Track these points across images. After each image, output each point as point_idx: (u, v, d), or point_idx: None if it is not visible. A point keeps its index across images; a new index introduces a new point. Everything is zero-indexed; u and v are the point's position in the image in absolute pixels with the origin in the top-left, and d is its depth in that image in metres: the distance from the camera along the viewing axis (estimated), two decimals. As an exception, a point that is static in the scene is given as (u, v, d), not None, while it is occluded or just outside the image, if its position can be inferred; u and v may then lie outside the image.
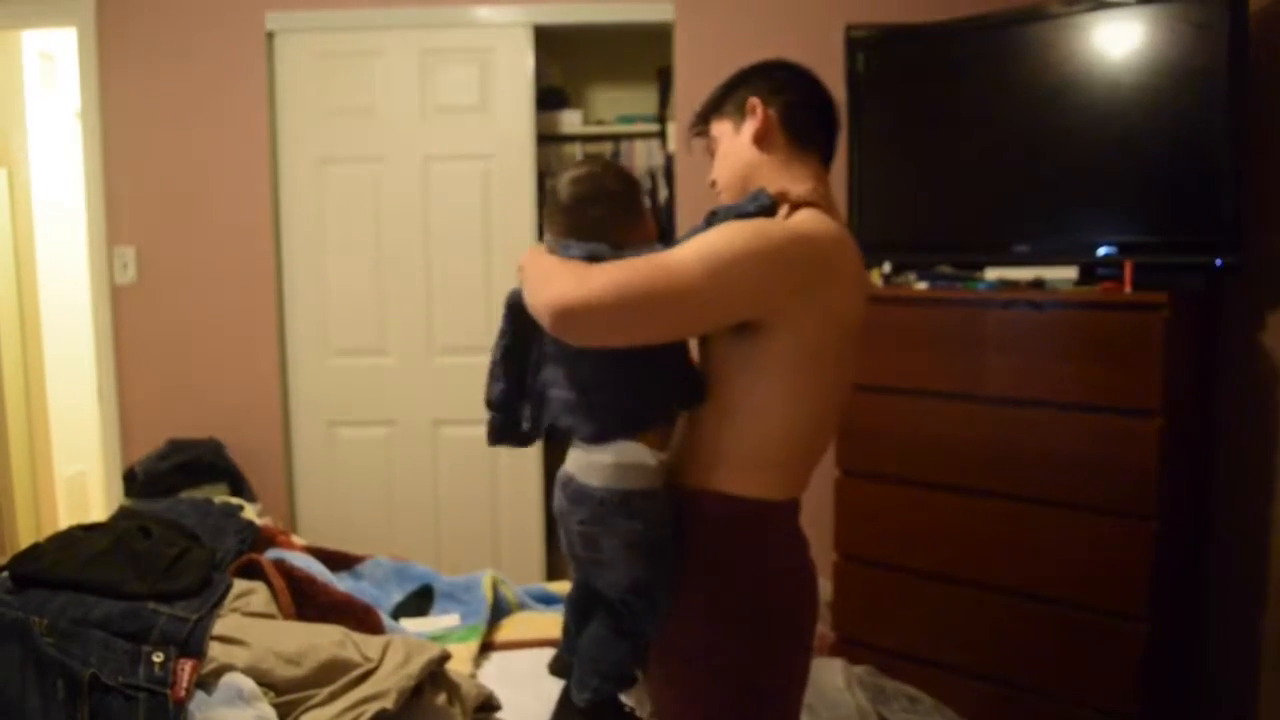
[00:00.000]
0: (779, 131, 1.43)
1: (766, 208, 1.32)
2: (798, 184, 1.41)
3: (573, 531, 1.35)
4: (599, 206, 1.38)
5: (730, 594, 1.33)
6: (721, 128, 1.48)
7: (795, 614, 1.39)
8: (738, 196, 1.44)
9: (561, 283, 1.20)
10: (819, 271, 1.29)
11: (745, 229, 1.27)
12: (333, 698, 1.56)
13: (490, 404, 1.43)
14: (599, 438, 1.32)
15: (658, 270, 1.21)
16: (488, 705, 1.77)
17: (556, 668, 1.70)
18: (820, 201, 1.38)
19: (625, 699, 1.50)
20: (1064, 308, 2.29)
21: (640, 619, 1.35)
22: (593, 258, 1.28)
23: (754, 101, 1.43)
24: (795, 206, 1.35)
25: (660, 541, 1.32)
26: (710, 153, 1.52)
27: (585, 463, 1.33)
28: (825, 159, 1.47)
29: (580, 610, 1.47)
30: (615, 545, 1.31)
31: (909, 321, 2.52)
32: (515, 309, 1.37)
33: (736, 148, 1.45)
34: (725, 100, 1.48)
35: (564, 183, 1.40)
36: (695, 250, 1.24)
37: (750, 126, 1.43)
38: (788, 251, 1.27)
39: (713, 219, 1.35)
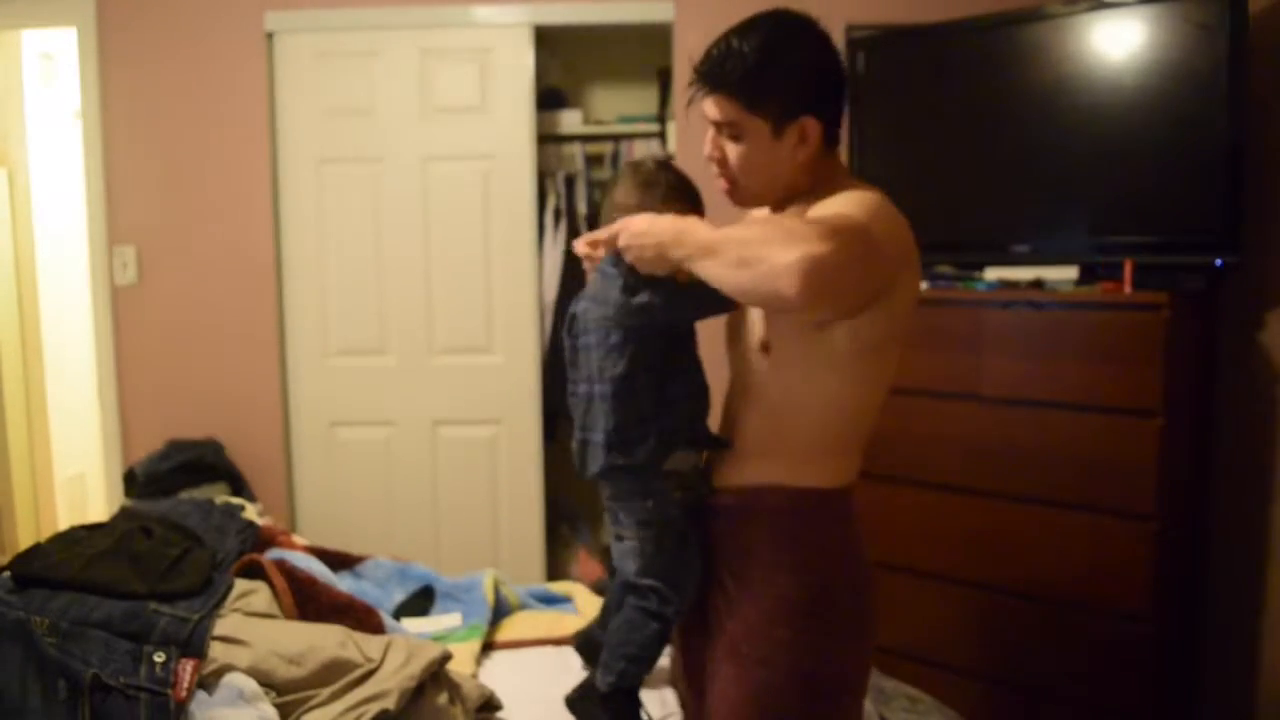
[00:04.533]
0: (819, 145, 1.35)
1: None
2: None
3: (605, 508, 1.47)
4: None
5: (804, 589, 1.34)
6: (755, 125, 1.32)
7: (864, 603, 1.41)
8: (763, 202, 1.43)
9: (789, 242, 1.12)
10: (911, 246, 1.33)
11: (867, 198, 1.28)
12: (334, 698, 1.57)
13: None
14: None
15: (856, 227, 1.19)
16: (489, 705, 1.77)
17: (580, 644, 1.76)
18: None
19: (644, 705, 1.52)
20: (1064, 308, 2.29)
21: (662, 602, 1.42)
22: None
23: (810, 124, 1.32)
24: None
25: (670, 522, 1.40)
26: (718, 125, 1.35)
27: None
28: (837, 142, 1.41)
29: (621, 598, 1.54)
30: (630, 522, 1.42)
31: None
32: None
33: (777, 161, 1.34)
34: (763, 89, 1.30)
35: (620, 194, 1.44)
36: (853, 211, 1.23)
37: (801, 149, 1.33)
38: (900, 220, 1.31)
39: None
